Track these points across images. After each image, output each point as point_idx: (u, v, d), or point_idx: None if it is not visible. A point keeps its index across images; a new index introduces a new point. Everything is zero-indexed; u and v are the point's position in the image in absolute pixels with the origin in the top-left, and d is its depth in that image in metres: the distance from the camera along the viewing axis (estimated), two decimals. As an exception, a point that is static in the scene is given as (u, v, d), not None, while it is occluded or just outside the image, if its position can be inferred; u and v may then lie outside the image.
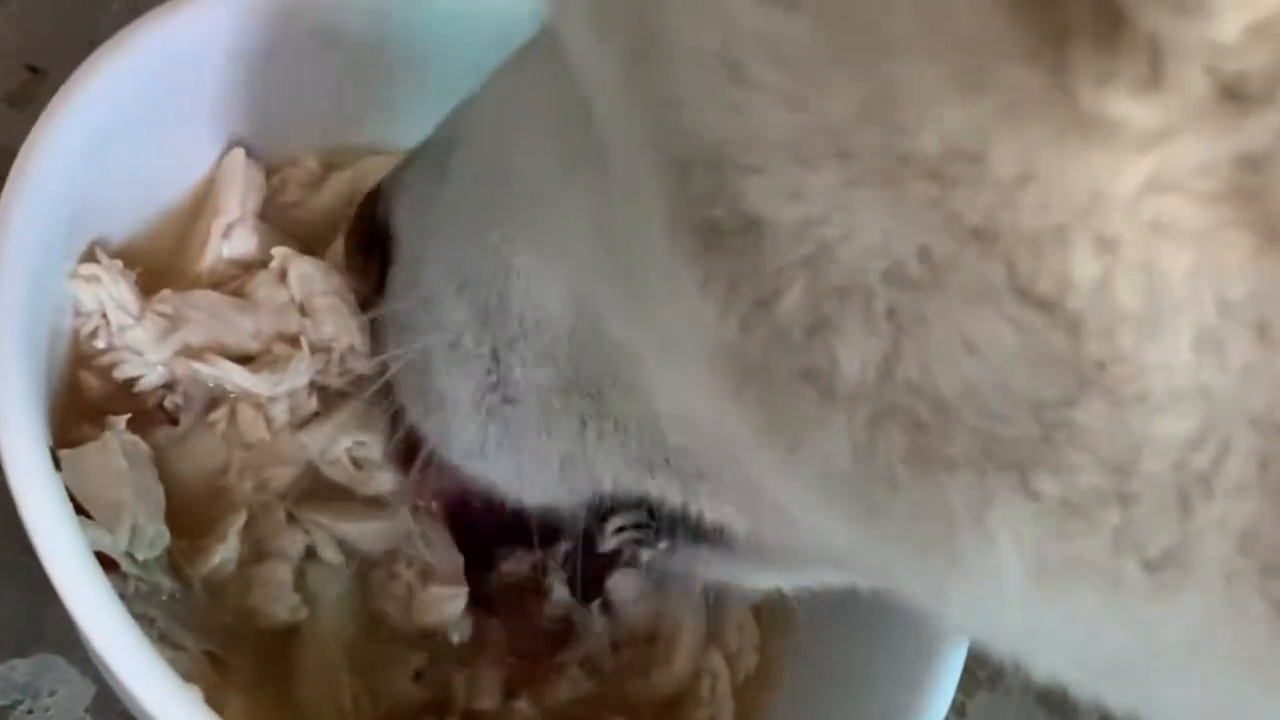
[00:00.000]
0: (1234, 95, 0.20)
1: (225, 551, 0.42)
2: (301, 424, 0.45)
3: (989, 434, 0.24)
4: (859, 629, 0.46)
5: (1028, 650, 0.29)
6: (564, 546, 0.45)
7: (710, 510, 0.35)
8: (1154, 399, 0.23)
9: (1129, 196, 0.21)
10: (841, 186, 0.24)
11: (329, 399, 0.45)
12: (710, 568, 0.39)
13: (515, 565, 0.46)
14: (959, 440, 0.25)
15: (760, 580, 0.41)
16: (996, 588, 0.26)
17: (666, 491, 0.35)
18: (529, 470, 0.37)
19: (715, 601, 0.47)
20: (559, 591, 0.46)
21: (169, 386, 0.44)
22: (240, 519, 0.42)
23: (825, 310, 0.25)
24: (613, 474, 0.36)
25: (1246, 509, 0.23)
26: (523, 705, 0.45)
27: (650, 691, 0.47)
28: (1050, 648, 0.28)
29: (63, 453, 0.40)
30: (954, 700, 0.43)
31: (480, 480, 0.38)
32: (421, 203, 0.38)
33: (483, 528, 0.44)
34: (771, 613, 0.49)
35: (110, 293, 0.43)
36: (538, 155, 0.34)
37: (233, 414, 0.44)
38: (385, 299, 0.39)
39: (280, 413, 0.44)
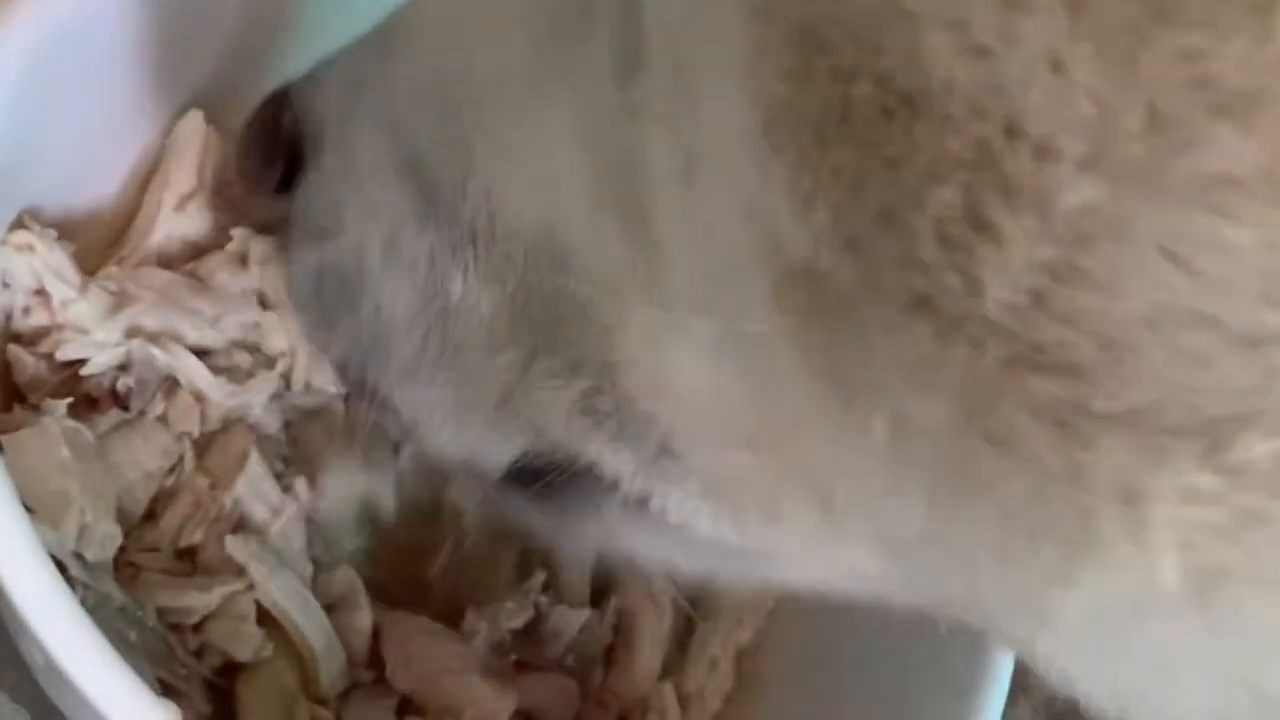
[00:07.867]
0: None
1: (199, 601, 0.36)
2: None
3: (1175, 380, 0.19)
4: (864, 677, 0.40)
5: (1146, 697, 0.22)
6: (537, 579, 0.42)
7: (669, 498, 0.29)
8: None
9: None
10: (1063, 34, 0.18)
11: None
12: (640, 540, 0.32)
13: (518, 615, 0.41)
14: (1130, 389, 0.19)
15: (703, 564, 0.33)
16: (1132, 599, 0.20)
17: (614, 460, 0.29)
18: (464, 403, 0.31)
19: (685, 623, 0.41)
20: (563, 620, 0.41)
21: (122, 368, 0.37)
22: (238, 585, 0.37)
23: (985, 214, 0.19)
24: (554, 423, 0.29)
25: None
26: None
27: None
28: (1189, 691, 0.22)
29: (1, 438, 0.34)
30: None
31: (411, 411, 0.32)
32: (356, 88, 0.32)
33: None
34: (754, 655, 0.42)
35: (46, 262, 0.37)
36: (503, 64, 0.28)
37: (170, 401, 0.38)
38: (295, 199, 0.33)
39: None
